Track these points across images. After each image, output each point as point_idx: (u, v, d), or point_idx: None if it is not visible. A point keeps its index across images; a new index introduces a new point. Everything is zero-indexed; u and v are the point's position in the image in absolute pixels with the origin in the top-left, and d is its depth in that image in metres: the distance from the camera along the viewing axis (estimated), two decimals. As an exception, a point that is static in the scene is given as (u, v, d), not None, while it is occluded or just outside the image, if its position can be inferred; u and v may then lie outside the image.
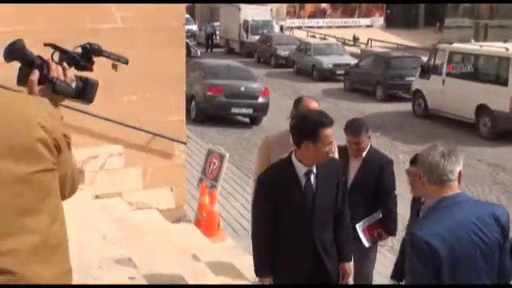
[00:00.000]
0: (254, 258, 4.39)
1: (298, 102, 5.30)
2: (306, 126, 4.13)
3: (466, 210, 3.14)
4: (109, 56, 2.72)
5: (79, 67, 2.51)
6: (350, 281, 5.66)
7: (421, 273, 3.07)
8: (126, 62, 2.84)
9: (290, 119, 5.00)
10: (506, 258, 3.19)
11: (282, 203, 4.16)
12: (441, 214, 3.12)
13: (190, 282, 5.62)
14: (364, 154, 5.46)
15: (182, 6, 7.73)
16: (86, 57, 2.57)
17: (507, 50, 16.15)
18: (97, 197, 6.95)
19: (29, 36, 6.87)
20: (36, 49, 6.30)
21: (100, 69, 7.37)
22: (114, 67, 7.90)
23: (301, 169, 4.18)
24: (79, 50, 2.59)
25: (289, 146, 5.14)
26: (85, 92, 2.47)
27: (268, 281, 4.22)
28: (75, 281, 4.51)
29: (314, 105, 5.22)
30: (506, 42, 18.84)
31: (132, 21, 6.98)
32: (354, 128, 5.36)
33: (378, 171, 5.39)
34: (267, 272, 4.23)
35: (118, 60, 2.82)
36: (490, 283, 3.12)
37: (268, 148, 5.29)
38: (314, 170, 4.20)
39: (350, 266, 4.52)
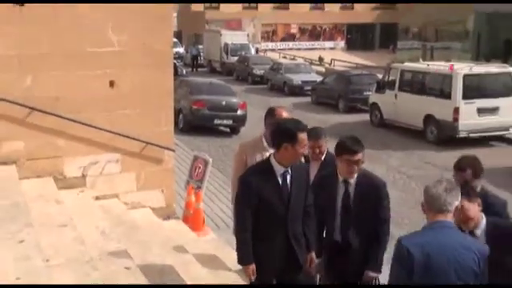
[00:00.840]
0: (237, 249, 4.37)
1: (271, 112, 5.30)
2: (286, 130, 4.16)
3: (452, 235, 3.26)
4: None
5: None
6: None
7: (398, 272, 3.22)
8: (21, 2, 2.60)
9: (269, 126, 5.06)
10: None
11: (262, 199, 4.16)
12: (429, 232, 3.27)
13: (179, 271, 5.60)
14: (322, 157, 5.48)
15: (170, 31, 7.73)
16: None
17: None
18: (97, 198, 6.91)
19: (34, 59, 6.89)
20: (42, 73, 6.22)
21: (100, 87, 7.38)
22: (111, 85, 7.94)
23: (279, 169, 4.21)
24: None
25: (261, 149, 5.19)
26: None
27: (251, 268, 4.23)
28: (77, 271, 4.49)
29: (285, 114, 5.25)
30: (448, 61, 19.10)
31: (127, 44, 6.95)
32: (315, 134, 5.34)
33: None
34: (250, 260, 4.24)
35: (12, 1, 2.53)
36: None
37: (244, 153, 5.32)
38: (290, 171, 4.23)
39: (313, 255, 4.53)
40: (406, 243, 3.18)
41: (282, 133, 4.18)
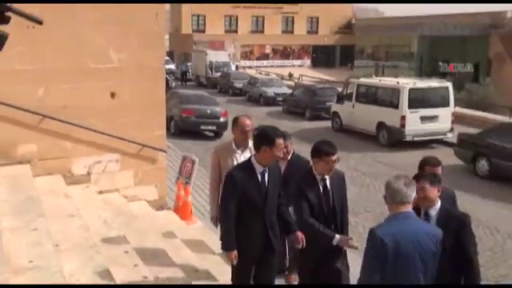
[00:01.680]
0: (221, 238, 4.30)
1: (235, 120, 5.27)
2: (266, 135, 4.15)
3: (414, 224, 3.29)
4: (20, 13, 2.27)
5: None
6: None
7: (372, 258, 3.19)
8: (40, 22, 2.48)
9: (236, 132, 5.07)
10: (435, 267, 3.30)
11: (244, 194, 4.13)
12: (395, 221, 3.25)
13: (171, 255, 5.57)
14: (289, 156, 5.48)
15: (163, 51, 7.73)
16: None
17: (398, 83, 16.45)
18: (100, 192, 6.85)
19: (45, 73, 6.80)
20: (53, 86, 6.13)
21: (102, 98, 7.31)
22: (112, 96, 7.85)
23: (258, 168, 4.18)
24: None
25: (232, 151, 5.19)
26: None
27: (233, 254, 4.16)
28: (83, 255, 4.43)
29: (248, 122, 5.22)
30: (397, 77, 19.31)
31: (125, 61, 6.92)
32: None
33: (299, 169, 5.36)
34: (233, 247, 4.18)
35: (31, 19, 2.37)
36: (423, 277, 3.22)
37: (217, 154, 5.30)
38: (267, 170, 4.23)
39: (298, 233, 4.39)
40: (380, 233, 3.15)
41: (261, 137, 4.18)
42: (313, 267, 4.48)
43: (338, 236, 4.27)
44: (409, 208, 3.28)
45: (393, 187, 3.27)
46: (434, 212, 3.78)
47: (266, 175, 4.21)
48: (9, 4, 2.22)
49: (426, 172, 4.22)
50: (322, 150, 4.39)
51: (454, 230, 3.65)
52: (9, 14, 2.24)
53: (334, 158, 4.39)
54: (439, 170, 4.43)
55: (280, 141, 4.14)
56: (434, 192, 3.76)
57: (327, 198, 4.47)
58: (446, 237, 3.56)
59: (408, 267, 3.17)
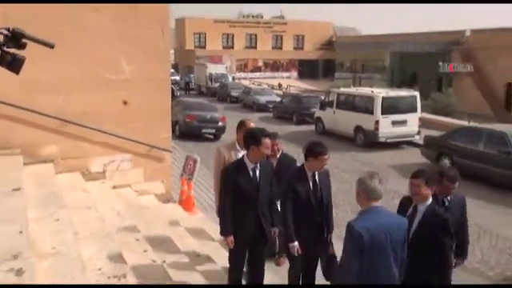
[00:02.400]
0: (220, 223, 4.29)
1: (241, 123, 5.25)
2: (253, 135, 4.17)
3: (385, 216, 3.30)
4: (33, 39, 2.27)
5: (8, 46, 2.19)
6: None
7: (350, 249, 3.18)
8: (51, 46, 2.40)
9: (241, 133, 5.04)
10: (404, 251, 3.33)
11: (238, 188, 4.13)
12: (368, 215, 3.24)
13: (176, 241, 5.55)
14: (278, 155, 5.48)
15: (168, 64, 7.69)
16: (14, 40, 2.20)
17: (372, 92, 16.53)
18: (114, 187, 6.83)
19: (66, 83, 6.72)
20: (72, 94, 6.08)
21: (115, 105, 7.23)
22: (124, 103, 7.77)
23: (249, 165, 4.19)
24: (5, 32, 2.20)
25: (235, 150, 5.17)
26: (12, 64, 2.18)
27: (230, 238, 4.16)
28: (99, 242, 4.40)
29: (252, 124, 5.23)
30: (371, 87, 19.37)
31: (136, 73, 6.90)
32: (273, 135, 5.23)
33: (287, 166, 5.37)
34: (230, 232, 4.18)
35: (44, 44, 2.35)
36: (395, 264, 3.23)
37: (222, 153, 5.25)
38: (258, 166, 4.22)
39: (275, 229, 4.46)
40: (358, 227, 3.14)
41: (250, 137, 4.19)
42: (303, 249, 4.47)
43: (296, 243, 4.33)
44: (379, 202, 3.27)
45: (370, 186, 3.23)
46: (422, 208, 3.74)
47: (257, 171, 4.21)
48: (22, 31, 2.20)
49: (443, 183, 4.17)
50: (317, 151, 4.39)
51: (436, 227, 3.62)
52: (24, 40, 2.23)
53: (327, 156, 4.40)
54: (455, 185, 4.31)
55: (266, 140, 4.13)
56: (427, 191, 3.73)
57: (315, 192, 4.48)
58: (426, 232, 3.59)
59: (381, 255, 3.18)
